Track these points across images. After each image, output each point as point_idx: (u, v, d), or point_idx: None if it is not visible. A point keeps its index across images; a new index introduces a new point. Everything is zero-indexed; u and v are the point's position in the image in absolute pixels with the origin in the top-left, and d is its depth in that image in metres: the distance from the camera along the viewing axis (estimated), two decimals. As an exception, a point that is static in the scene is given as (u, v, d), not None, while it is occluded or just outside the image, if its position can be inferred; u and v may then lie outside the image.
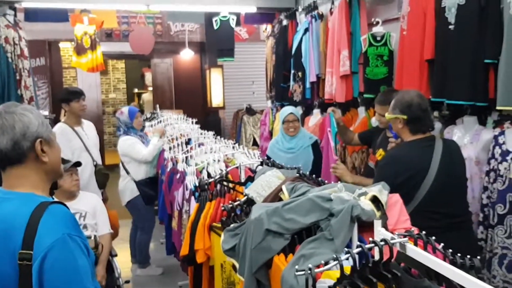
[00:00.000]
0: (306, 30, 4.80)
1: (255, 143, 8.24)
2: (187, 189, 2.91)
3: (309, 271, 1.30)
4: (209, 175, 2.83)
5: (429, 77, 3.24)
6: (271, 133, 5.97)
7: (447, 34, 3.03)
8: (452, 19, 2.98)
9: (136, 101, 12.41)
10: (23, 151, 1.39)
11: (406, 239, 1.33)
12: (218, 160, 2.93)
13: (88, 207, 3.44)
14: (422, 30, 3.22)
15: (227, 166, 2.92)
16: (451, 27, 3.00)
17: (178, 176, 3.24)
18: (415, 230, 1.83)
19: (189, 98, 9.30)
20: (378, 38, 3.86)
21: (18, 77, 4.40)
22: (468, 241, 2.43)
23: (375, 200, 1.76)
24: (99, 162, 4.30)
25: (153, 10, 7.16)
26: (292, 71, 5.05)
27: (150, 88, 10.60)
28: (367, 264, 1.28)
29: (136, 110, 4.48)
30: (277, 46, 5.64)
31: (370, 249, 1.36)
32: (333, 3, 4.45)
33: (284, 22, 5.50)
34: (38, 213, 1.31)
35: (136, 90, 12.76)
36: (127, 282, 3.44)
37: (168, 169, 3.62)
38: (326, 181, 2.16)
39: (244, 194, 2.16)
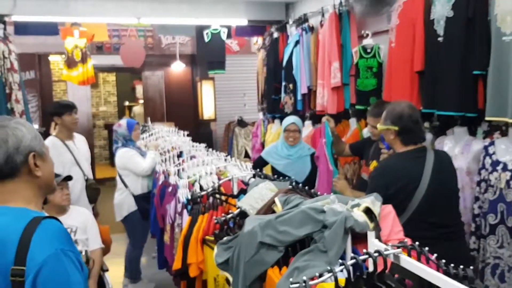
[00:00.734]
0: (297, 42, 4.84)
1: (247, 155, 8.22)
2: (179, 202, 2.89)
3: (303, 284, 1.29)
4: (201, 188, 2.82)
5: (420, 88, 3.27)
6: (263, 145, 5.97)
7: (436, 46, 3.07)
8: (441, 31, 3.03)
9: (127, 114, 12.37)
10: (16, 165, 1.38)
11: (399, 250, 1.34)
12: (211, 173, 2.92)
13: (79, 222, 3.40)
14: (411, 42, 3.26)
15: (219, 179, 2.91)
16: (440, 39, 3.05)
17: (170, 189, 3.22)
18: (408, 241, 1.85)
19: (181, 110, 9.29)
20: (368, 50, 3.91)
21: (8, 91, 4.37)
22: (461, 251, 2.44)
23: (368, 211, 1.76)
24: (90, 176, 4.26)
25: (144, 24, 7.18)
26: (283, 83, 5.08)
27: (141, 101, 10.59)
28: (362, 275, 1.28)
29: (134, 122, 4.45)
30: (268, 59, 5.68)
31: (364, 260, 1.36)
32: (323, 15, 4.50)
33: (275, 35, 5.54)
34: (31, 228, 1.29)
35: (127, 103, 12.72)
36: (118, 297, 3.40)
37: (160, 182, 3.60)
38: (319, 193, 2.16)
39: (236, 206, 2.15)
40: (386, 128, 2.48)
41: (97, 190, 4.26)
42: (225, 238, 1.97)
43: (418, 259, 1.36)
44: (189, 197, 2.74)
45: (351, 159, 4.12)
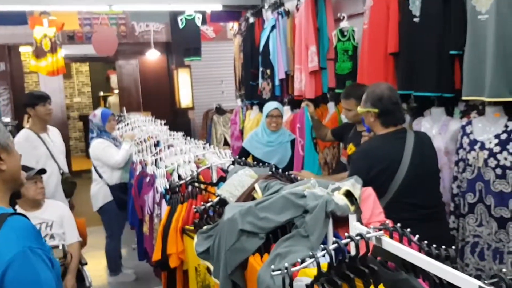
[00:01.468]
0: (273, 27, 4.78)
1: (226, 143, 8.16)
2: (157, 192, 2.83)
3: (285, 270, 1.26)
4: (179, 177, 2.77)
5: (395, 70, 3.26)
6: (241, 132, 5.93)
7: (412, 26, 3.06)
8: (417, 11, 3.01)
9: (102, 105, 12.13)
10: None
11: (381, 232, 1.31)
12: (189, 161, 2.87)
13: (55, 216, 3.32)
14: (385, 24, 3.24)
15: (198, 167, 2.85)
16: (415, 19, 3.04)
17: (147, 179, 3.16)
18: (389, 223, 1.83)
19: (157, 99, 9.14)
20: (345, 33, 3.88)
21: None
22: (442, 231, 2.45)
23: (348, 194, 1.74)
24: (66, 170, 4.16)
25: (116, 11, 7.00)
26: (261, 69, 5.02)
27: (116, 91, 10.39)
28: (344, 260, 1.25)
29: (109, 113, 4.34)
30: (245, 44, 5.60)
31: (346, 244, 1.33)
32: (299, -1, 4.45)
33: (251, 20, 5.46)
34: None
35: (101, 93, 12.45)
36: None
37: (137, 173, 3.52)
38: (299, 178, 2.13)
39: (216, 194, 2.11)
40: (366, 110, 2.46)
41: (73, 184, 4.17)
42: (205, 227, 1.92)
43: (400, 241, 1.34)
44: (167, 186, 2.68)
45: (330, 144, 4.12)
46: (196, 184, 2.39)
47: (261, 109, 5.53)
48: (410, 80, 3.10)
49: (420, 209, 2.33)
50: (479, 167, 2.64)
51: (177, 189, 2.45)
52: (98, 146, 4.20)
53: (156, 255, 2.34)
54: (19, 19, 5.51)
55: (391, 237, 1.35)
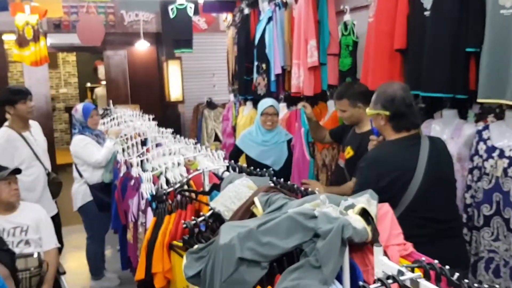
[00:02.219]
0: (270, 19, 4.51)
1: (217, 139, 7.91)
2: (142, 199, 2.56)
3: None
4: (167, 182, 2.50)
5: (402, 68, 3.02)
6: (234, 129, 5.66)
7: (422, 21, 2.81)
8: (428, 4, 2.77)
9: (89, 96, 11.76)
10: None
11: (419, 274, 1.07)
12: (178, 164, 2.60)
13: (31, 220, 3.04)
14: (392, 17, 2.99)
15: (188, 170, 2.59)
16: (426, 13, 2.79)
17: (132, 182, 2.88)
18: (409, 247, 1.60)
19: (146, 92, 8.85)
20: (348, 27, 3.63)
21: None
22: (459, 250, 2.22)
23: (363, 212, 1.50)
24: (50, 168, 3.88)
25: (103, -2, 6.67)
26: (256, 63, 4.75)
27: (104, 82, 10.06)
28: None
29: (91, 108, 4.04)
30: (239, 37, 5.31)
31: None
32: (298, -11, 4.18)
33: (246, 11, 5.17)
34: None
35: (89, 85, 12.09)
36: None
37: (122, 174, 3.24)
38: (303, 188, 1.88)
39: (209, 207, 1.85)
40: (376, 112, 2.21)
41: (60, 184, 3.92)
42: (195, 247, 1.66)
43: (438, 282, 1.10)
44: (154, 192, 2.42)
45: (329, 145, 3.87)
46: (186, 193, 2.12)
47: (255, 105, 5.27)
48: (418, 79, 2.85)
49: (436, 223, 2.10)
50: (498, 176, 2.41)
51: (164, 197, 2.18)
52: (78, 144, 3.91)
53: (140, 274, 2.07)
54: (0, 5, 5.16)
55: (427, 275, 1.11)
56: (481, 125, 2.61)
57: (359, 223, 1.41)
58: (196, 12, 5.73)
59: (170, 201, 2.22)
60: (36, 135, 3.85)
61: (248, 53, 4.98)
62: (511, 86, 2.28)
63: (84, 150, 3.89)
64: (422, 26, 2.81)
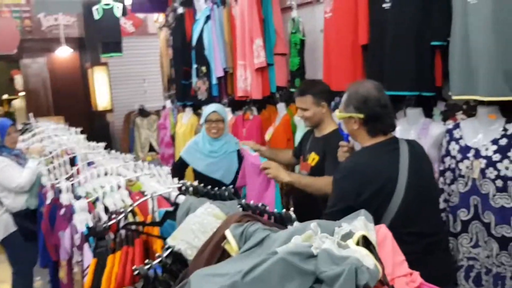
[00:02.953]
0: (208, 18, 4.17)
1: (152, 149, 7.42)
2: (77, 232, 2.12)
3: None
4: (106, 210, 2.09)
5: (364, 65, 2.81)
6: (173, 138, 5.24)
7: (381, 14, 2.61)
8: (388, -5, 2.57)
9: (6, 109, 10.73)
10: None
11: None
12: (119, 187, 2.19)
13: None
14: (352, 11, 2.78)
15: (130, 194, 2.19)
16: (385, 5, 2.60)
17: (62, 211, 2.41)
18: (417, 277, 1.34)
19: (70, 102, 8.18)
20: (295, 25, 3.38)
21: None
22: (449, 263, 2.01)
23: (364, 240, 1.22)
24: None
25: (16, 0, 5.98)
26: (194, 66, 4.38)
27: (22, 93, 9.18)
28: None
29: (7, 124, 3.48)
30: (174, 38, 4.91)
31: None
32: (237, -15, 3.87)
33: (180, 10, 4.78)
34: None
35: (6, 96, 11.05)
36: None
37: (49, 201, 2.73)
38: (281, 212, 1.56)
39: (166, 246, 1.47)
40: (348, 116, 1.94)
41: None
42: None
43: None
44: (90, 224, 2.00)
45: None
46: (133, 226, 1.73)
47: (195, 111, 4.91)
48: (380, 77, 2.62)
49: (423, 238, 1.86)
50: (474, 178, 2.23)
51: (104, 232, 1.77)
52: None
53: (80, 334, 1.66)
54: None
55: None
56: (450, 123, 2.44)
57: (368, 259, 1.12)
58: (124, 12, 5.25)
59: (112, 235, 1.81)
60: None
61: (185, 55, 4.60)
62: (484, 81, 2.11)
63: (3, 173, 3.33)
64: (381, 20, 2.62)
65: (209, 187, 1.84)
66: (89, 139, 3.99)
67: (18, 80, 9.77)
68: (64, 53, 7.71)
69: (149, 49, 7.73)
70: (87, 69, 8.00)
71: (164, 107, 6.05)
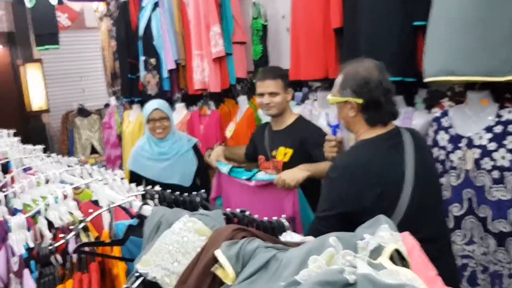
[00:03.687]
0: (156, 5, 3.80)
1: (94, 151, 6.90)
2: (13, 255, 1.72)
3: None
4: (50, 226, 1.71)
5: (338, 51, 2.57)
6: (119, 138, 4.80)
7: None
8: (361, -26, 2.34)
9: None
10: None
11: None
12: (64, 197, 1.81)
13: None
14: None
15: (79, 205, 1.82)
16: (360, -16, 2.37)
17: (-6, 229, 1.99)
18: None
19: (0, 102, 7.44)
20: (256, 9, 3.10)
21: None
22: (454, 266, 1.80)
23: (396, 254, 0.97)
24: None
25: None
26: (142, 58, 3.99)
27: None
28: None
29: None
30: (118, 29, 4.47)
31: None
32: (189, -33, 3.52)
33: (123, -3, 4.36)
34: None
35: None
36: None
37: (-24, 217, 2.28)
38: (277, 219, 1.27)
39: (137, 274, 1.13)
40: (343, 100, 1.66)
41: None
42: None
43: None
44: (31, 245, 1.61)
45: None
46: (87, 248, 1.38)
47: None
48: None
49: (430, 244, 1.61)
50: (468, 170, 2.05)
51: (51, 257, 1.40)
52: None
53: None
54: None
55: None
56: (437, 111, 2.25)
57: (418, 283, 0.86)
58: (60, 1, 4.73)
59: (60, 258, 1.45)
60: None
61: (131, 47, 4.19)
62: (462, 60, 1.90)
63: None
64: (355, 1, 2.38)
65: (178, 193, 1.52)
66: (24, 142, 3.52)
67: None
68: (-9, 49, 6.99)
69: (87, 44, 7.24)
70: (19, 66, 7.31)
71: (107, 105, 5.58)
